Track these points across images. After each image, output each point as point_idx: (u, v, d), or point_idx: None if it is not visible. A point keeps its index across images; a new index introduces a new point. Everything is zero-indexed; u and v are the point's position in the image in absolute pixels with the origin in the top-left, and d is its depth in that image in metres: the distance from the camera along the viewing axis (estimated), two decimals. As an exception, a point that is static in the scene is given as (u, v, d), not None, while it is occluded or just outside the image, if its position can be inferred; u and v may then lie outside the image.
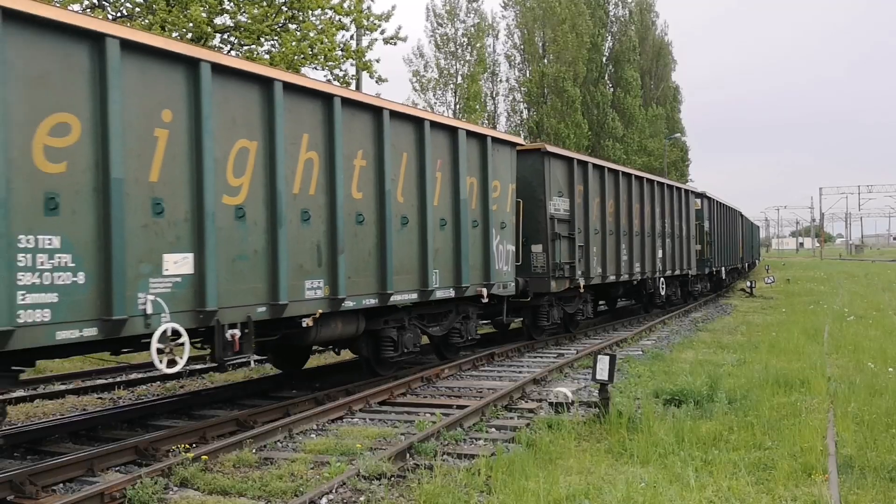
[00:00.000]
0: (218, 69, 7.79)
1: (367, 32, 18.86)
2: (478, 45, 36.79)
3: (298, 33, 17.37)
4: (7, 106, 6.05)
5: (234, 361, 8.24)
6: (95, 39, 6.71)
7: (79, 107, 6.62)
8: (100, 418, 8.87)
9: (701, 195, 26.36)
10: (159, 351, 7.15)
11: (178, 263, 7.46)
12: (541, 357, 13.87)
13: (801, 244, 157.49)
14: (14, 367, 6.88)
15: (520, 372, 12.20)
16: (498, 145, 12.88)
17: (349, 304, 9.59)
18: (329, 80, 17.74)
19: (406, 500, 6.01)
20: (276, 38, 17.41)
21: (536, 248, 14.48)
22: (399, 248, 10.43)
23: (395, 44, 19.21)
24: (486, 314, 13.56)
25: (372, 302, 10.03)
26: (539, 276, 14.42)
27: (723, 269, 31.00)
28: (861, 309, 21.65)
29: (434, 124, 11.17)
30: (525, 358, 13.79)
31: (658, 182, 20.91)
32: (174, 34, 15.91)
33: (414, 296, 10.86)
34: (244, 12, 17.16)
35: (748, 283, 31.66)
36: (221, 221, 7.83)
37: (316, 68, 17.96)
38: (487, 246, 12.46)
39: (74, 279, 6.55)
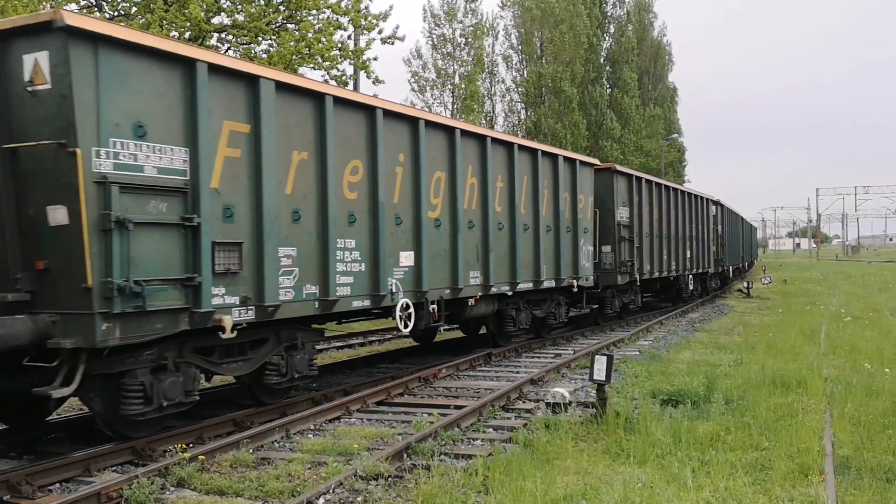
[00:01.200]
0: (429, 125, 11.23)
1: (365, 32, 18.85)
2: (476, 45, 36.79)
3: (297, 33, 17.36)
4: (333, 158, 9.26)
5: (434, 326, 11.61)
6: (370, 111, 10.01)
7: (362, 155, 9.90)
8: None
9: (716, 203, 29.84)
10: (399, 318, 10.46)
11: (407, 258, 10.84)
12: (538, 357, 13.88)
13: (798, 245, 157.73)
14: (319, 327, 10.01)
15: (517, 372, 12.20)
16: (583, 166, 16.27)
17: (494, 289, 12.88)
18: (326, 80, 17.73)
19: (403, 500, 6.01)
20: (273, 37, 17.40)
21: (606, 249, 17.61)
22: (522, 248, 13.72)
23: (392, 43, 19.20)
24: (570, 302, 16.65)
25: (506, 289, 13.32)
26: (608, 272, 17.63)
27: (731, 267, 35.37)
28: (858, 310, 21.69)
29: (543, 153, 14.59)
30: (522, 358, 13.80)
31: (684, 192, 24.60)
32: (172, 32, 15.90)
33: (530, 285, 14.12)
34: (242, 11, 17.16)
35: (745, 284, 31.74)
36: (428, 229, 11.15)
37: (313, 68, 17.96)
38: (576, 247, 15.76)
39: (360, 268, 9.81)
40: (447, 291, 11.67)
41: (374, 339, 16.91)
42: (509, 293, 13.43)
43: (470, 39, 36.63)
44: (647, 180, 20.39)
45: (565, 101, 41.41)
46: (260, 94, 8.20)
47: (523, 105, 43.71)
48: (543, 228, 14.39)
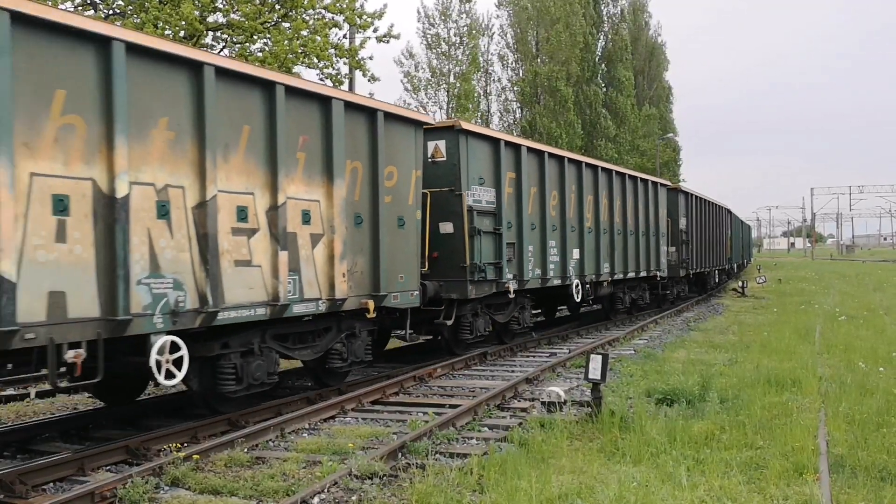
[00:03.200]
0: (588, 167, 16.91)
1: (360, 31, 18.80)
2: (471, 45, 36.77)
3: (290, 32, 17.30)
4: (547, 192, 14.97)
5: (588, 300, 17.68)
6: (559, 159, 15.59)
7: (557, 189, 15.52)
8: (91, 417, 8.84)
9: (728, 210, 34.82)
10: (577, 292, 15.77)
11: (576, 253, 16.11)
12: (533, 356, 13.88)
13: (793, 244, 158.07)
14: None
15: (512, 371, 12.21)
16: (661, 187, 22.19)
17: (618, 275, 18.37)
18: (322, 80, 17.70)
19: (398, 499, 6.00)
20: (268, 36, 17.35)
21: (672, 249, 23.36)
22: (630, 248, 19.24)
23: (387, 41, 19.14)
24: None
25: (620, 276, 18.50)
26: (674, 266, 23.37)
27: (736, 264, 40.78)
28: (852, 309, 21.74)
29: (642, 180, 20.46)
30: (518, 357, 13.80)
31: (716, 204, 30.97)
32: (167, 32, 15.85)
33: (633, 273, 19.37)
34: (237, 10, 17.10)
35: (740, 283, 31.82)
36: (585, 234, 16.54)
37: (308, 67, 17.92)
38: (658, 247, 21.52)
39: (556, 259, 15.26)
40: (593, 276, 16.99)
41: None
42: (620, 279, 18.68)
43: (465, 39, 36.62)
44: (697, 196, 26.70)
45: (560, 100, 41.38)
46: (567, 166, 15.81)
47: (519, 104, 43.69)
48: (640, 233, 19.96)
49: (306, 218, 9.12)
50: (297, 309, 8.95)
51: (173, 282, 7.49)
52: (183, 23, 15.75)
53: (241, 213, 8.24)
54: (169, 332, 7.41)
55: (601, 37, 50.26)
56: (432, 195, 12.19)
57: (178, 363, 7.49)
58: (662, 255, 21.77)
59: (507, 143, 13.60)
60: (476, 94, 38.33)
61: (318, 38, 17.43)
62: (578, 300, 16.06)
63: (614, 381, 10.61)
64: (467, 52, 36.66)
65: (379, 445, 7.52)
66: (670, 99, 62.96)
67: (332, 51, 18.00)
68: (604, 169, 17.85)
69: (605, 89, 48.68)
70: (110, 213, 6.91)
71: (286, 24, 17.58)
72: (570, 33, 42.25)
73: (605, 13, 51.27)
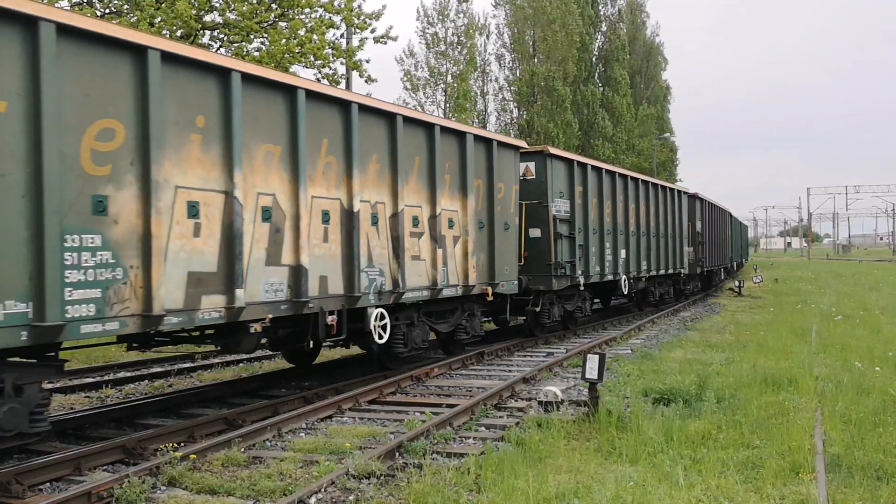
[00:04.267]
0: (632, 179, 19.95)
1: (358, 31, 18.79)
2: (468, 44, 36.78)
3: (287, 31, 17.29)
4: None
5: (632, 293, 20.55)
6: (624, 177, 19.24)
7: (620, 200, 18.87)
8: (87, 417, 8.82)
9: (730, 214, 37.39)
10: (625, 285, 18.63)
11: (623, 253, 18.83)
12: (531, 356, 13.88)
13: (790, 244, 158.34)
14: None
15: (509, 371, 12.21)
16: (683, 194, 25.52)
17: (653, 272, 21.38)
18: (318, 80, 17.68)
19: (395, 499, 6.00)
20: (265, 35, 17.32)
21: (690, 250, 26.09)
22: (660, 249, 21.98)
23: (385, 42, 19.15)
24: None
25: (653, 273, 21.42)
26: (692, 264, 26.55)
27: (736, 263, 43.43)
28: (848, 308, 21.78)
29: (671, 189, 23.81)
30: (515, 357, 13.80)
31: (720, 208, 33.00)
32: (163, 31, 15.83)
33: (662, 271, 22.34)
34: (233, 9, 17.08)
35: (737, 283, 31.86)
36: (630, 237, 19.34)
37: (305, 67, 17.91)
38: (682, 248, 24.73)
39: (611, 258, 17.96)
40: (634, 272, 19.68)
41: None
42: (654, 275, 21.42)
43: (462, 39, 36.62)
44: (710, 203, 30.24)
45: (558, 100, 41.42)
46: (616, 180, 18.73)
47: (516, 104, 43.71)
48: (669, 236, 22.87)
49: (451, 224, 12.04)
50: (446, 292, 11.86)
51: (379, 270, 10.38)
52: (179, 21, 15.73)
53: (415, 221, 11.15)
54: (377, 307, 10.30)
55: (598, 36, 50.33)
56: (524, 206, 14.87)
57: (383, 329, 10.45)
58: (685, 255, 25.09)
59: (578, 163, 16.47)
60: (473, 94, 38.34)
61: (316, 37, 17.42)
62: (626, 293, 19.24)
63: (611, 380, 10.61)
64: (465, 52, 36.67)
65: (376, 445, 7.51)
66: (668, 99, 63.03)
67: (330, 50, 17.99)
68: (642, 181, 20.89)
69: (602, 89, 48.72)
70: (349, 222, 9.78)
71: (283, 24, 17.56)
72: (566, 33, 42.29)
73: (602, 13, 51.30)
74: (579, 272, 16.15)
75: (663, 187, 22.87)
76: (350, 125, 9.73)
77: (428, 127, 11.41)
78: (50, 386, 11.04)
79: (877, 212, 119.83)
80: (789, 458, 6.73)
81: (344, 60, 18.51)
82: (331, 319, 9.38)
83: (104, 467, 7.03)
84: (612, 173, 18.56)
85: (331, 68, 18.32)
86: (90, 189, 6.69)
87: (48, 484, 6.59)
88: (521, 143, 14.66)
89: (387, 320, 10.42)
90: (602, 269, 17.55)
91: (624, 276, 18.71)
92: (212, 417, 8.59)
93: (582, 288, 16.61)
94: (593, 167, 17.35)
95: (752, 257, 78.16)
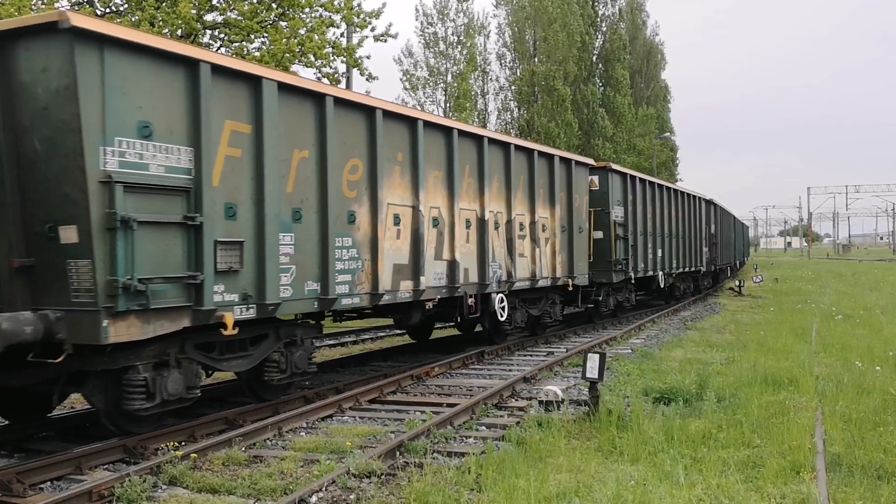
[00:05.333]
0: (650, 183, 21.15)
1: (358, 29, 18.79)
2: (468, 44, 36.73)
3: (287, 31, 17.28)
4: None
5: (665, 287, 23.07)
6: (632, 179, 19.62)
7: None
8: (88, 416, 8.81)
9: (732, 217, 39.99)
10: (663, 281, 21.93)
11: (661, 252, 21.55)
12: (531, 356, 13.88)
13: (790, 243, 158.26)
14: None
15: (510, 370, 12.21)
16: (703, 200, 28.29)
17: (680, 270, 24.11)
18: (318, 79, 17.67)
19: (396, 498, 6.00)
20: (265, 35, 17.32)
21: (705, 249, 28.39)
22: (686, 249, 24.66)
23: (385, 41, 19.14)
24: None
25: (680, 270, 23.95)
26: (707, 262, 28.89)
27: (738, 261, 45.98)
28: (848, 308, 21.78)
29: (695, 196, 26.50)
30: (515, 356, 13.80)
31: (727, 212, 36.10)
32: (164, 31, 15.82)
33: (686, 268, 24.77)
34: (234, 9, 17.08)
35: (737, 283, 31.88)
36: (663, 239, 21.91)
37: (306, 66, 17.90)
38: (701, 248, 27.34)
39: (651, 256, 20.95)
40: (667, 269, 22.32)
41: (366, 336, 16.90)
42: (680, 272, 24.25)
43: (462, 38, 36.58)
44: (721, 207, 33.22)
45: (558, 99, 41.36)
46: (656, 189, 21.32)
47: (516, 104, 43.66)
48: (691, 237, 25.61)
49: (544, 228, 14.79)
50: (541, 282, 14.60)
51: (499, 265, 13.15)
52: (180, 21, 15.72)
53: (521, 227, 13.94)
54: (497, 293, 12.98)
55: (599, 36, 50.26)
56: (591, 212, 17.35)
57: (502, 310, 13.08)
58: (703, 255, 27.98)
59: (630, 176, 19.45)
60: (473, 94, 38.30)
61: (316, 36, 17.41)
62: (663, 286, 22.19)
63: (611, 380, 10.61)
64: (465, 52, 36.63)
65: (377, 444, 7.51)
66: (668, 98, 62.99)
67: (330, 49, 17.98)
68: (674, 189, 24.39)
69: (602, 89, 48.68)
70: (482, 228, 12.63)
71: (283, 24, 17.56)
72: (567, 33, 42.23)
73: (602, 13, 51.26)
74: (630, 268, 18.87)
75: (687, 195, 25.87)
76: (482, 154, 12.58)
77: (528, 152, 14.37)
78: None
79: (877, 211, 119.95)
80: (790, 457, 6.73)
81: (344, 58, 18.51)
82: (471, 301, 12.23)
83: (105, 466, 7.04)
84: (652, 184, 21.48)
85: (331, 67, 18.33)
86: (346, 206, 9.58)
87: (49, 483, 6.59)
88: (590, 161, 17.50)
89: (505, 303, 13.07)
90: (645, 266, 20.35)
91: (661, 273, 21.57)
92: (212, 417, 8.59)
93: (633, 282, 19.57)
94: (640, 179, 20.31)
95: (752, 257, 78.15)
